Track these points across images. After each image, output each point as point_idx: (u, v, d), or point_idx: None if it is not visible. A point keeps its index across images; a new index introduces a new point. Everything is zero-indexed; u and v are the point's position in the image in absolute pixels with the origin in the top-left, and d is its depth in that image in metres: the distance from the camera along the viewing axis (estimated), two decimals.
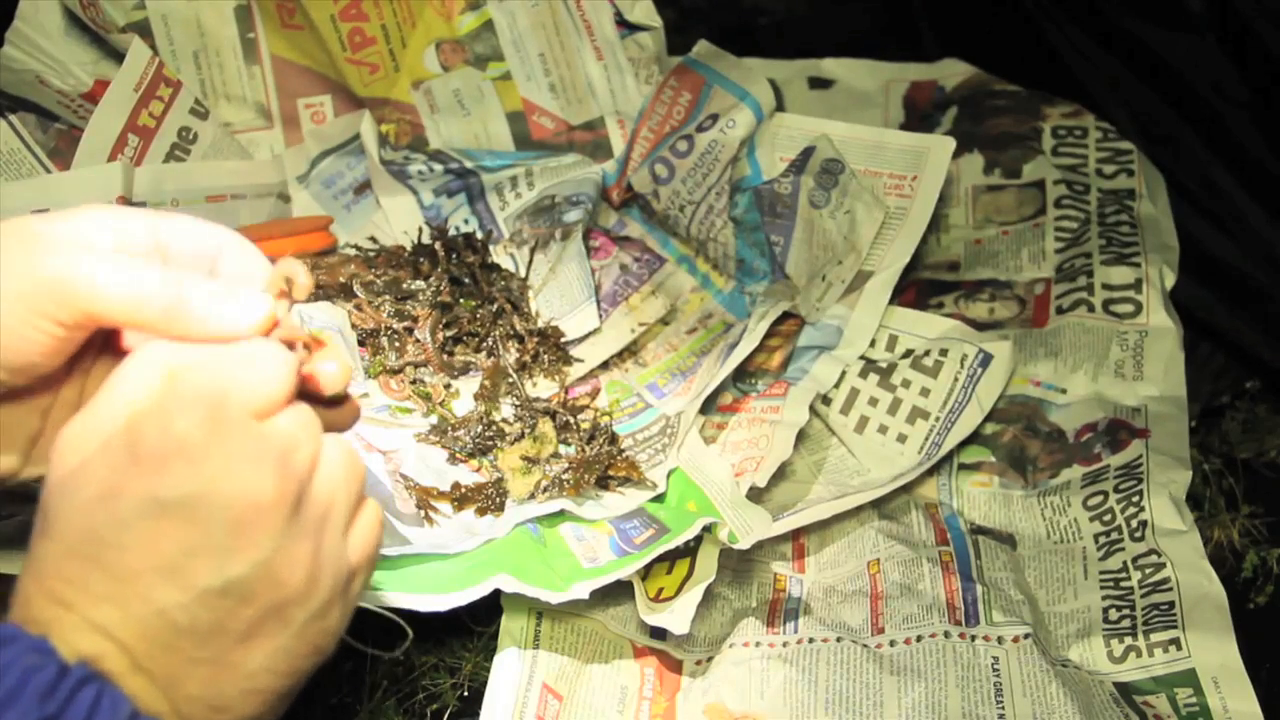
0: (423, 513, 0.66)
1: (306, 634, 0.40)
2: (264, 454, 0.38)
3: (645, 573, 0.63)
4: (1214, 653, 0.63)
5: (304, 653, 0.40)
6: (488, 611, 0.65)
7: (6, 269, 0.39)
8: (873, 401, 0.75)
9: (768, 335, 0.74)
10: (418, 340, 0.74)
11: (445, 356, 0.75)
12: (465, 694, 0.65)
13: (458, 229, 0.83)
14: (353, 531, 0.42)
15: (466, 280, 0.79)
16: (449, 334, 0.76)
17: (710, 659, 0.65)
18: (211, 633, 0.37)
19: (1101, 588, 0.68)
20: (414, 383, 0.75)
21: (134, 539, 0.36)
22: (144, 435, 0.37)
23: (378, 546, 0.43)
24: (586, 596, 0.60)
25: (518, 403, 0.74)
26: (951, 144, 0.80)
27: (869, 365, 0.76)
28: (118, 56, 0.81)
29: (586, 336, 0.78)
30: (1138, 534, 0.69)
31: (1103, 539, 0.70)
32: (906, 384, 0.75)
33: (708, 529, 0.64)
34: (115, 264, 0.40)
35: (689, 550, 0.64)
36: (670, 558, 0.64)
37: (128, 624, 0.36)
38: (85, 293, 0.39)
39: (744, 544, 0.64)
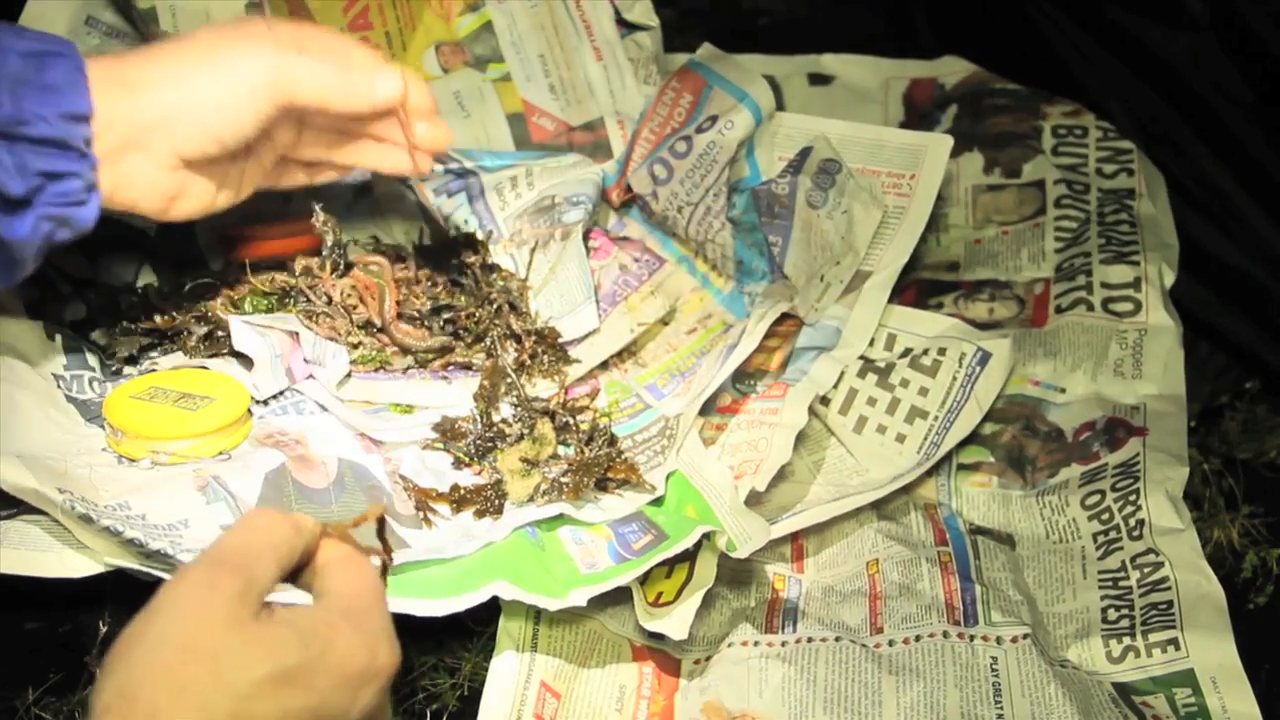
0: (421, 514, 0.66)
1: None
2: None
3: (644, 578, 0.63)
4: (1212, 653, 0.63)
5: None
6: (487, 611, 0.65)
7: (239, 69, 0.58)
8: (871, 401, 0.75)
9: (766, 336, 0.74)
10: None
11: (406, 329, 0.76)
12: (465, 694, 0.65)
13: (458, 229, 0.83)
14: None
15: (466, 280, 0.79)
16: (447, 324, 0.77)
17: (709, 658, 0.65)
18: None
19: (1100, 587, 0.68)
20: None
21: None
22: (353, 662, 0.41)
23: None
24: (584, 604, 0.60)
25: (516, 403, 0.74)
26: (949, 142, 0.80)
27: (867, 365, 0.76)
28: None
29: (586, 337, 0.79)
30: (1135, 533, 0.69)
31: (1101, 538, 0.70)
32: (905, 383, 0.75)
33: (706, 536, 0.64)
34: (304, 63, 0.59)
35: (688, 555, 0.64)
36: (669, 562, 0.64)
37: None
38: (291, 85, 0.59)
39: (742, 553, 0.64)
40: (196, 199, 0.62)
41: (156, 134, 0.57)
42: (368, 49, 0.63)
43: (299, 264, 0.76)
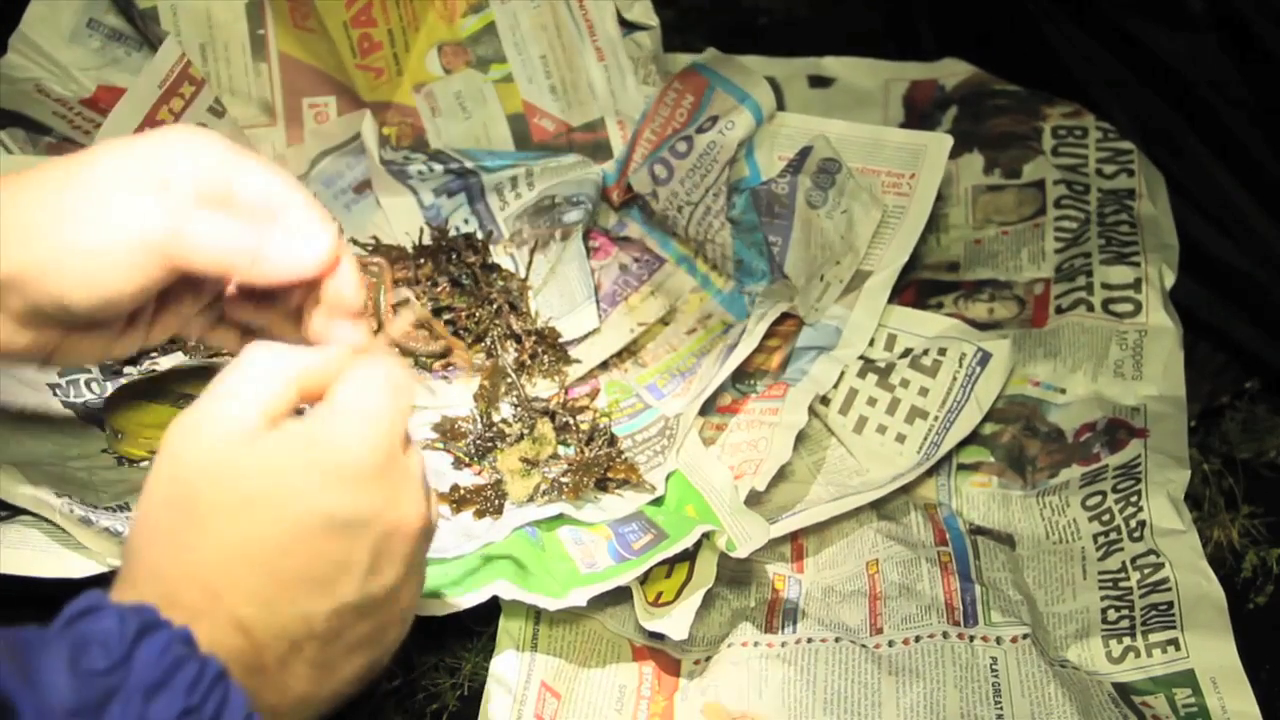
0: None
1: (391, 648, 0.44)
2: (416, 486, 0.42)
3: (644, 578, 0.64)
4: (1212, 653, 0.63)
5: (383, 663, 0.44)
6: (487, 611, 0.65)
7: (118, 227, 0.43)
8: (871, 401, 0.75)
9: (766, 336, 0.74)
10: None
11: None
12: (465, 694, 0.65)
13: (458, 229, 0.84)
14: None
15: (466, 281, 0.79)
16: (447, 325, 0.77)
17: (708, 659, 0.65)
18: (332, 641, 0.40)
19: (1100, 588, 0.68)
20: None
21: (302, 549, 0.39)
22: (329, 454, 0.39)
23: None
24: (584, 604, 0.60)
25: (516, 403, 0.74)
26: (949, 141, 0.80)
27: (867, 365, 0.76)
28: (122, 62, 0.82)
29: (586, 337, 0.79)
30: (1136, 534, 0.69)
31: (1101, 539, 0.70)
32: (905, 383, 0.75)
33: (706, 536, 0.64)
34: (206, 224, 0.44)
35: (688, 554, 0.65)
36: (669, 561, 0.64)
37: (269, 625, 0.38)
38: (182, 252, 0.44)
39: (742, 552, 0.64)
40: (81, 354, 0.49)
41: (8, 291, 0.45)
42: (312, 206, 0.47)
43: None
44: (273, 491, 0.38)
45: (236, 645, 0.38)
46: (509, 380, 0.75)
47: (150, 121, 0.78)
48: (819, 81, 0.99)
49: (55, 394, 0.69)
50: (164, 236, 0.44)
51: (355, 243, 0.82)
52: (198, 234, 0.44)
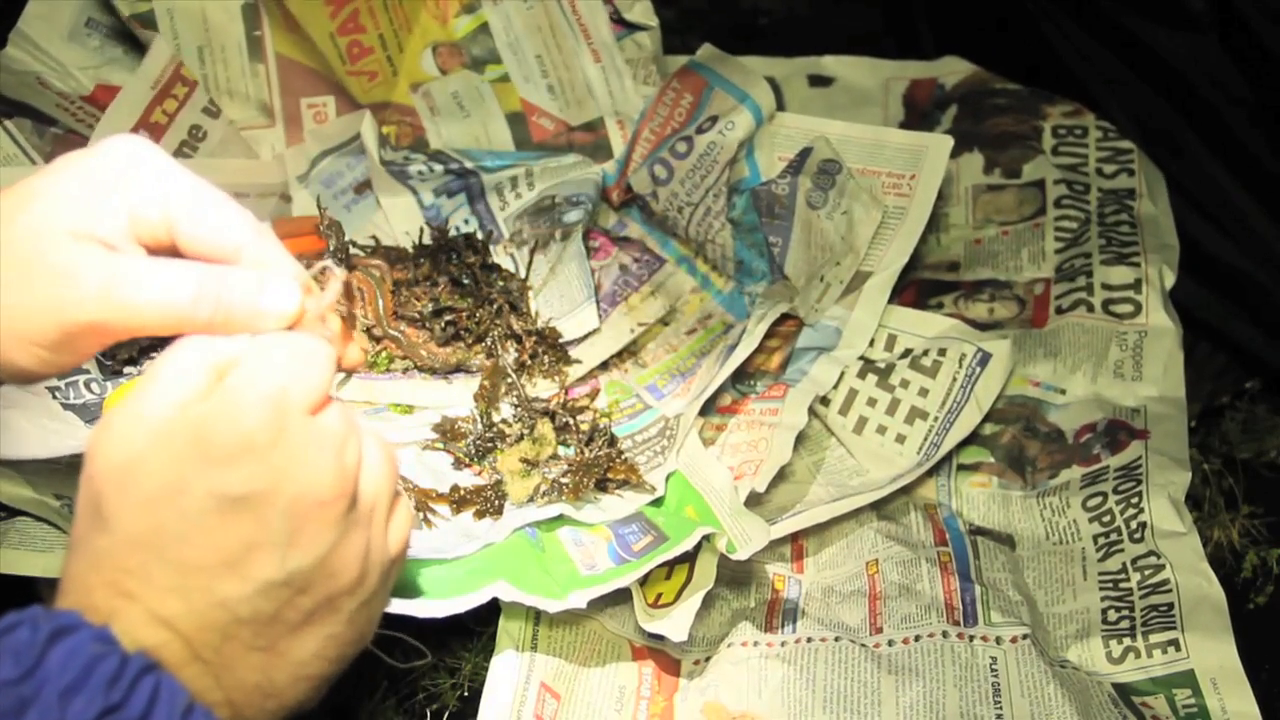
0: (421, 515, 0.66)
1: (355, 622, 0.42)
2: (322, 451, 0.39)
3: (644, 579, 0.63)
4: (1212, 654, 0.63)
5: (351, 639, 0.42)
6: (487, 612, 0.65)
7: (39, 299, 0.39)
8: (871, 402, 0.75)
9: (767, 336, 0.74)
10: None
11: (400, 324, 0.76)
12: (465, 694, 0.65)
13: (458, 229, 0.84)
14: (392, 522, 0.44)
15: (466, 281, 0.79)
16: (447, 324, 0.77)
17: (708, 659, 0.65)
18: (269, 623, 0.39)
19: (1100, 589, 0.68)
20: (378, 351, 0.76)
21: (200, 534, 0.38)
22: (212, 433, 0.38)
23: (410, 536, 0.46)
24: (584, 606, 0.60)
25: (516, 404, 0.74)
26: (950, 142, 0.80)
27: (867, 365, 0.76)
28: (120, 61, 0.82)
29: (586, 337, 0.79)
30: (1137, 535, 0.69)
31: (1102, 540, 0.70)
32: (905, 384, 0.75)
33: (706, 538, 0.64)
34: (149, 280, 0.40)
35: (688, 556, 0.64)
36: (669, 563, 0.64)
37: (190, 615, 0.38)
38: (124, 320, 0.40)
39: (742, 555, 0.64)
40: (36, 374, 0.43)
41: None
42: (273, 243, 0.43)
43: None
44: (167, 482, 0.37)
45: (162, 640, 0.37)
46: (509, 380, 0.75)
47: (144, 124, 0.78)
48: (819, 80, 0.99)
49: (55, 397, 0.69)
50: (100, 309, 0.39)
51: (355, 243, 0.82)
52: (139, 298, 0.40)
